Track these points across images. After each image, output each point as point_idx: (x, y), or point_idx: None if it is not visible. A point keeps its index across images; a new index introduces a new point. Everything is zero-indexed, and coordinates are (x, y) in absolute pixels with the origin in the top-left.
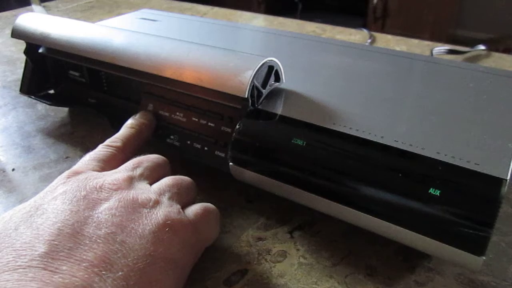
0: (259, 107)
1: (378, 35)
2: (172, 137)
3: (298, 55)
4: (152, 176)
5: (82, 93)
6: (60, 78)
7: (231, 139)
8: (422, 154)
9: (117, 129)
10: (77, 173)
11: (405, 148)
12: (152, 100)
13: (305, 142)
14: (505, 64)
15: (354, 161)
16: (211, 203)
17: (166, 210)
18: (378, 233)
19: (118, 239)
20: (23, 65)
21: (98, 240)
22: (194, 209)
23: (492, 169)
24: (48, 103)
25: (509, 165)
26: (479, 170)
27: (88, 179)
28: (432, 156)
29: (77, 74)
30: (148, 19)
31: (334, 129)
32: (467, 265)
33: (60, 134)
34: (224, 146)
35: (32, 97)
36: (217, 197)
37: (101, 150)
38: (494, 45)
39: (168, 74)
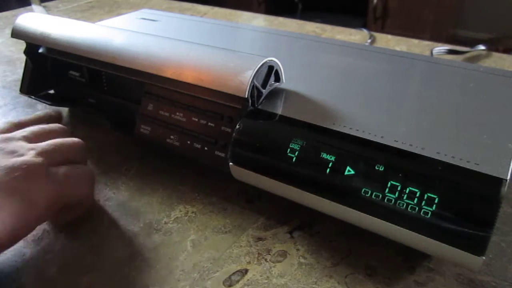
0: (259, 107)
1: (378, 35)
2: (172, 137)
3: (298, 55)
4: (37, 139)
5: (82, 93)
6: (60, 78)
7: (231, 139)
8: (422, 154)
9: (117, 130)
10: None
11: (405, 148)
12: (152, 100)
13: (305, 142)
14: (505, 64)
15: (354, 161)
16: (211, 203)
17: (26, 158)
18: (378, 233)
19: None
20: (23, 65)
21: None
22: (64, 167)
23: (492, 169)
24: (48, 103)
25: (509, 165)
26: (479, 170)
27: None
28: (432, 156)
29: (77, 74)
30: (148, 19)
31: (334, 129)
32: (467, 265)
33: None
34: (224, 146)
35: (32, 97)
36: (217, 197)
37: None
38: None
39: (168, 74)
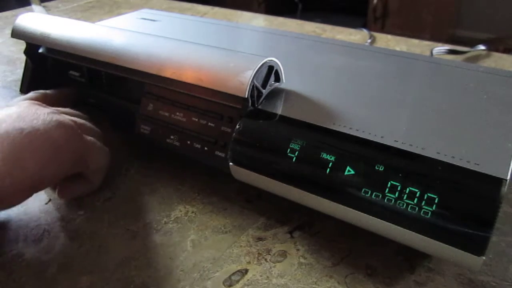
0: (259, 107)
1: (378, 35)
2: (172, 137)
3: (298, 55)
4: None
5: (82, 93)
6: (60, 78)
7: (231, 139)
8: (422, 154)
9: (117, 129)
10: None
11: (405, 148)
12: (152, 100)
13: (305, 142)
14: (505, 64)
15: (354, 161)
16: (211, 203)
17: (61, 118)
18: (378, 233)
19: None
20: (23, 65)
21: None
22: (90, 137)
23: (492, 169)
24: None
25: (509, 165)
26: (479, 170)
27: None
28: (432, 156)
29: (77, 74)
30: (148, 19)
31: (334, 129)
32: (467, 265)
33: None
34: (224, 146)
35: None
36: (217, 197)
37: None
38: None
39: (168, 74)
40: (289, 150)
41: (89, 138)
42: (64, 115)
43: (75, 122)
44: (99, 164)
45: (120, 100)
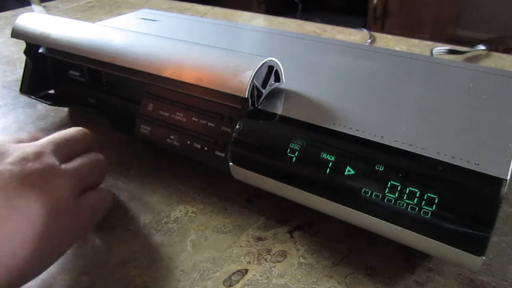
0: (259, 107)
1: (378, 35)
2: (172, 137)
3: (298, 55)
4: (63, 152)
5: (82, 93)
6: (60, 78)
7: (231, 139)
8: (422, 154)
9: (117, 129)
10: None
11: (405, 148)
12: (152, 100)
13: (305, 142)
14: (505, 64)
15: (354, 161)
16: (211, 203)
17: (61, 190)
18: (378, 233)
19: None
20: (23, 65)
21: None
22: (75, 161)
23: (492, 169)
24: (48, 103)
25: (509, 165)
26: (479, 170)
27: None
28: (432, 156)
29: (77, 74)
30: (148, 19)
31: (334, 129)
32: (467, 265)
33: None
34: (224, 146)
35: (32, 97)
36: (217, 197)
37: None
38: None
39: (168, 74)
40: (289, 150)
41: (73, 165)
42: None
43: (53, 153)
44: (95, 184)
45: (120, 100)
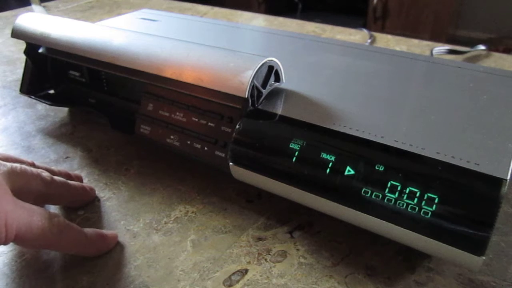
0: (259, 107)
1: (378, 35)
2: (172, 137)
3: (298, 55)
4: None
5: (82, 93)
6: (60, 78)
7: (231, 139)
8: (422, 154)
9: (117, 129)
10: None
11: (405, 148)
12: (152, 100)
13: (305, 142)
14: (505, 64)
15: (354, 161)
16: (211, 203)
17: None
18: (378, 233)
19: None
20: (23, 65)
21: None
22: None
23: (492, 169)
24: (48, 103)
25: (509, 165)
26: (479, 170)
27: None
28: (432, 156)
29: (77, 74)
30: (148, 19)
31: (334, 129)
32: (467, 265)
33: (60, 134)
34: (224, 146)
35: (32, 97)
36: (217, 197)
37: None
38: (494, 45)
39: (168, 74)
40: (289, 150)
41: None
42: None
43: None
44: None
45: (120, 100)
